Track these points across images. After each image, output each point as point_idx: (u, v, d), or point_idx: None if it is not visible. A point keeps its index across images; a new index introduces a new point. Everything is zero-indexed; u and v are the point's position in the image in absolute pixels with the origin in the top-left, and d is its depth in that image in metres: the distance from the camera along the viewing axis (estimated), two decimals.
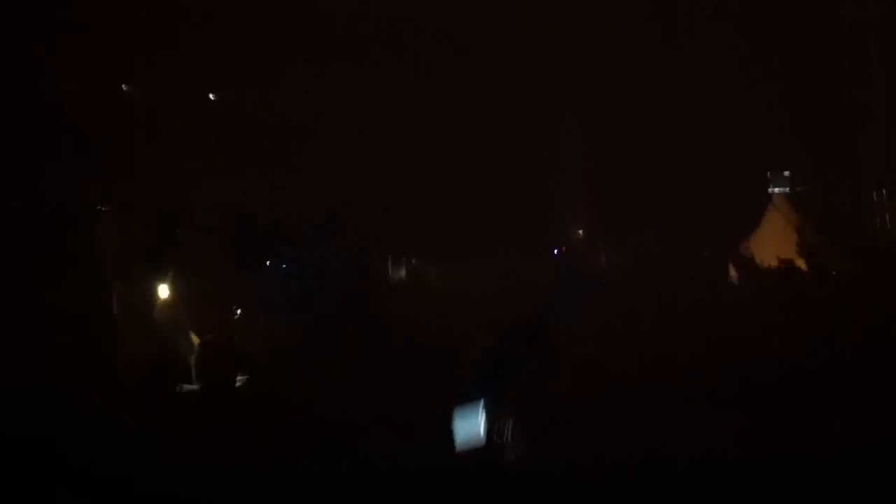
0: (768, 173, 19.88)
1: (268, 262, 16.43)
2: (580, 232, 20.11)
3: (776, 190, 19.41)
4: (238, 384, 12.37)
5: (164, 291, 13.44)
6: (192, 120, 14.11)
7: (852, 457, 7.24)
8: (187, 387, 11.92)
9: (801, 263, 17.26)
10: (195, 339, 13.23)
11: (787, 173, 19.83)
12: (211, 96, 14.94)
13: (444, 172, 16.52)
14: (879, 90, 19.16)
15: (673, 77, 19.72)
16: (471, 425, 8.34)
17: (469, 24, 16.17)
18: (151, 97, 13.56)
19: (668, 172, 20.01)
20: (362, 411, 9.64)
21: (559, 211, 19.53)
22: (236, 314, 14.23)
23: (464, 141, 16.67)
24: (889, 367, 10.40)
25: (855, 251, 16.22)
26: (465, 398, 8.07)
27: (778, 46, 19.35)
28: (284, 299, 14.82)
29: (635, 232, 18.86)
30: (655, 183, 20.01)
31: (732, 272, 18.74)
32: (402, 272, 17.13)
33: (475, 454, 7.76)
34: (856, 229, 17.30)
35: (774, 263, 17.68)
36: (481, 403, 8.28)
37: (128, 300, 11.70)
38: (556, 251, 19.11)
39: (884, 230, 17.73)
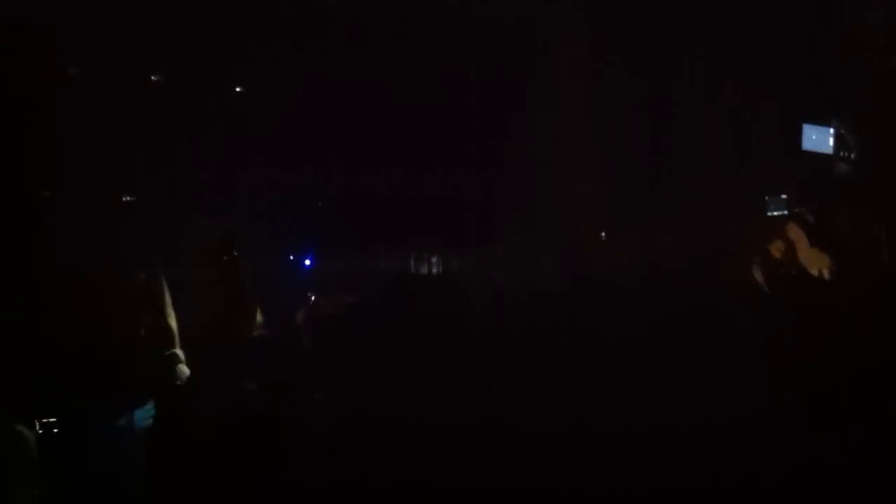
0: (766, 197, 19.78)
1: (291, 256, 16.64)
2: (602, 234, 20.21)
3: (776, 213, 19.33)
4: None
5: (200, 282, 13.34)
6: (199, 111, 14.27)
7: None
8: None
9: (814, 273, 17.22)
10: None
11: (783, 196, 19.73)
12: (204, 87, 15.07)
13: (465, 167, 16.74)
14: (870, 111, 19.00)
15: (684, 80, 19.74)
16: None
17: (481, 14, 16.28)
18: (160, 89, 13.83)
19: (686, 177, 20.03)
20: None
21: (576, 211, 19.68)
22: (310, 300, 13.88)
23: (484, 136, 16.90)
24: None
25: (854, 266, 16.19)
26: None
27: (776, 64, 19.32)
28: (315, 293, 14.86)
29: (652, 233, 18.96)
30: (672, 186, 20.03)
31: (753, 276, 18.67)
32: (424, 268, 17.40)
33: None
34: (856, 246, 17.28)
35: (794, 271, 17.64)
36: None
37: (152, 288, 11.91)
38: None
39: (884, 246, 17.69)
